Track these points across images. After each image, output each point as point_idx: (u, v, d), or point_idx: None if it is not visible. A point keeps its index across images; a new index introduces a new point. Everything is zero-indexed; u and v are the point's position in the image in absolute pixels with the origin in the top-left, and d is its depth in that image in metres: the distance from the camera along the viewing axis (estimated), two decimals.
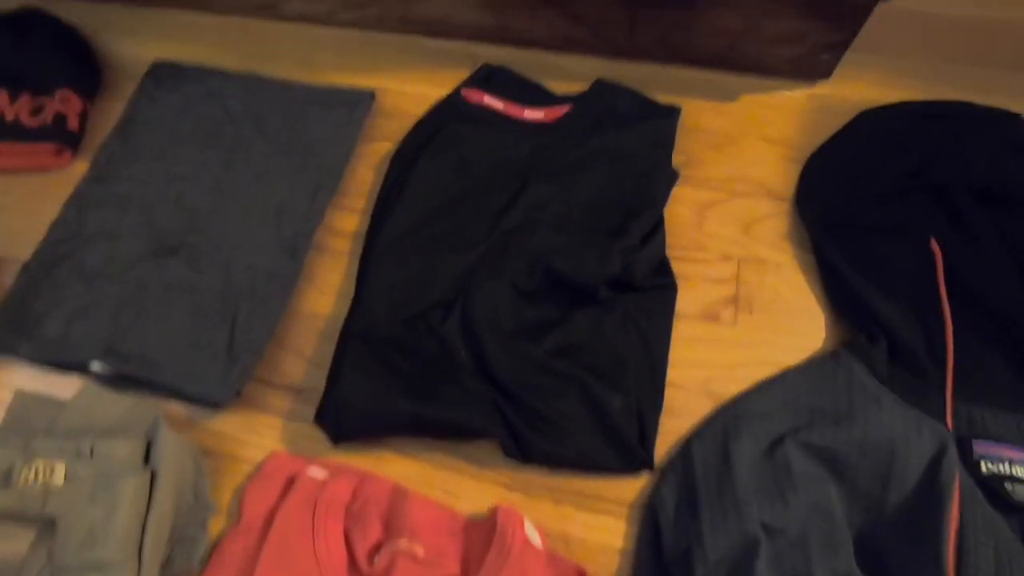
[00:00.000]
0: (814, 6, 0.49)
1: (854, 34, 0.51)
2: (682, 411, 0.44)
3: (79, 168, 0.56)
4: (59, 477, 0.41)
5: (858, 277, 0.46)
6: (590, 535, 0.41)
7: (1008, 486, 0.39)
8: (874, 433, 0.40)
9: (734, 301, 0.48)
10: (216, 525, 0.43)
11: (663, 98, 0.55)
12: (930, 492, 0.38)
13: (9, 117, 0.56)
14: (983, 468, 0.40)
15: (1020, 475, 0.40)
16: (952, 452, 0.39)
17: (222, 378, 0.45)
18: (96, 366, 0.47)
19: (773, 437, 0.41)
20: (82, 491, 0.40)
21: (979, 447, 0.41)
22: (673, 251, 0.49)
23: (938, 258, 0.46)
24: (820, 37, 0.52)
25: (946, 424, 0.41)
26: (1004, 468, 0.40)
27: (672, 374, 0.45)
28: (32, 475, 0.41)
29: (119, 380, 0.47)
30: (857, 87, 0.55)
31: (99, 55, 0.62)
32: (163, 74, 0.60)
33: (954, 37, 0.57)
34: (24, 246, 0.52)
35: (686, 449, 0.42)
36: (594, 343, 0.45)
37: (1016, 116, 0.51)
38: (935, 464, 0.38)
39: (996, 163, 0.48)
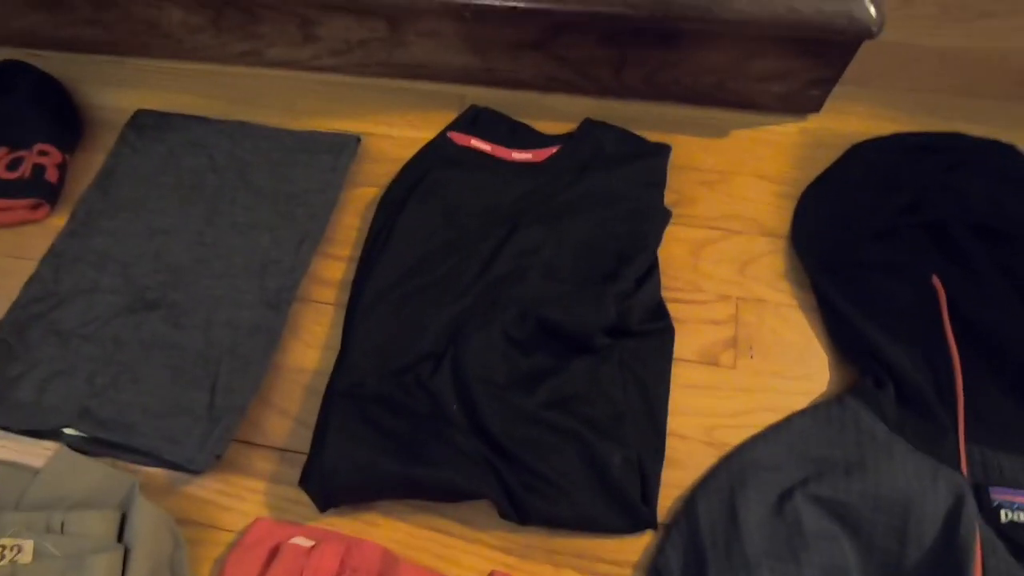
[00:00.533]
0: (800, 45, 0.49)
1: (841, 70, 0.51)
2: (684, 462, 0.43)
3: (57, 222, 0.55)
4: (27, 556, 0.38)
5: (860, 317, 0.44)
6: None
7: None
8: (887, 485, 0.38)
9: (733, 343, 0.46)
10: None
11: (653, 136, 0.54)
12: (950, 548, 0.36)
13: None
14: (1002, 517, 0.38)
15: None
16: (970, 503, 0.37)
17: (201, 441, 0.43)
18: (70, 431, 0.44)
19: (781, 490, 0.39)
20: (51, 570, 0.38)
21: (997, 494, 0.39)
22: (668, 293, 0.48)
23: (941, 295, 0.45)
24: (808, 74, 0.51)
25: (960, 470, 0.39)
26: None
27: (672, 423, 0.44)
28: None
29: (94, 443, 0.44)
30: (847, 120, 0.55)
31: (80, 106, 0.61)
32: (145, 123, 0.59)
33: (942, 68, 0.57)
34: None
35: (690, 506, 0.40)
36: (591, 394, 0.43)
37: (1007, 146, 0.51)
38: (953, 517, 0.37)
39: (992, 196, 0.47)
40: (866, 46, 0.49)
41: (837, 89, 0.54)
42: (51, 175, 0.55)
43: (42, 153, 0.55)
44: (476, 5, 0.50)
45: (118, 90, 0.62)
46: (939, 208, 0.48)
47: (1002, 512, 0.38)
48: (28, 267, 0.51)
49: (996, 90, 0.56)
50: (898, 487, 0.38)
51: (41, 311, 0.49)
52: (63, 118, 0.59)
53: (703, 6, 0.46)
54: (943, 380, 0.42)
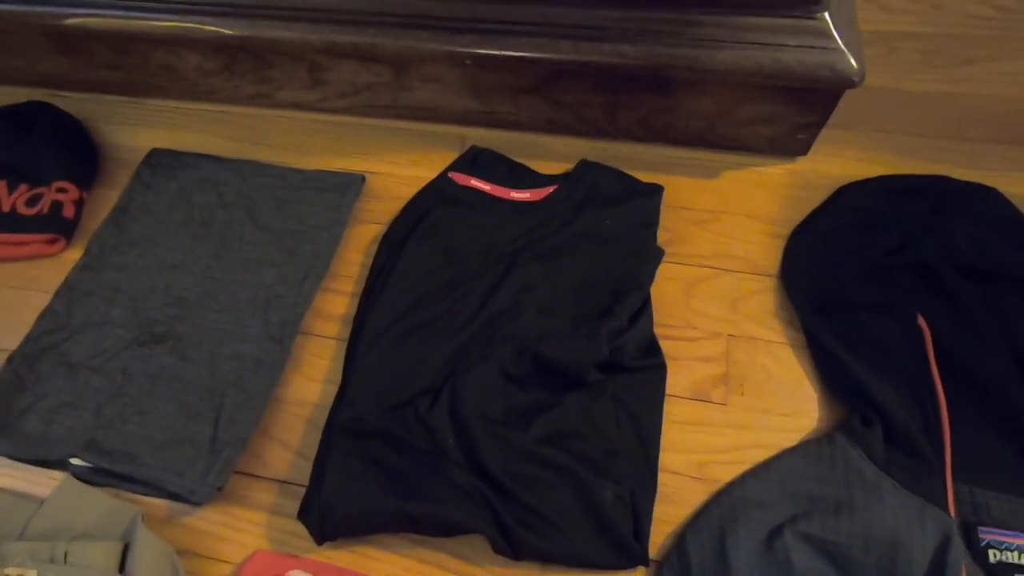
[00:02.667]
0: (786, 92, 0.51)
1: (827, 116, 0.53)
2: (676, 498, 0.43)
3: (73, 255, 0.57)
4: None
5: (848, 356, 0.45)
6: None
7: None
8: (877, 524, 0.39)
9: (725, 380, 0.47)
10: None
11: (646, 176, 0.56)
12: None
13: (6, 207, 0.57)
14: (991, 556, 0.39)
15: None
16: (957, 543, 0.38)
17: (204, 474, 0.44)
18: (76, 461, 0.46)
19: (771, 528, 0.40)
20: None
21: (985, 534, 0.39)
22: (661, 330, 0.49)
23: (927, 335, 0.46)
24: (795, 119, 0.53)
25: (948, 509, 0.40)
26: (1012, 557, 0.39)
27: (664, 459, 0.44)
28: None
29: (99, 474, 0.45)
30: (835, 162, 0.57)
31: (98, 144, 0.63)
32: (159, 161, 0.61)
33: (926, 113, 0.59)
34: (10, 337, 0.51)
35: (681, 543, 0.40)
36: (584, 429, 0.44)
37: (990, 190, 0.52)
38: (941, 557, 0.37)
39: (976, 238, 0.49)
40: (852, 91, 0.51)
41: (825, 132, 0.56)
42: (68, 211, 0.57)
43: (60, 190, 0.58)
44: (477, 53, 0.53)
45: (134, 129, 0.65)
46: (925, 249, 0.49)
47: (990, 552, 0.39)
48: (43, 299, 0.53)
49: (978, 134, 0.57)
50: (887, 527, 0.38)
51: (52, 343, 0.51)
52: (81, 156, 0.61)
53: (690, 56, 0.49)
54: (930, 419, 0.43)
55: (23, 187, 0.58)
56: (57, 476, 0.46)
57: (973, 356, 0.45)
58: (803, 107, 0.52)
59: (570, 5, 0.50)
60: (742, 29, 0.48)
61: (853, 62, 0.47)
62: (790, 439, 0.45)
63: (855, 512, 0.39)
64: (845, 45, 0.47)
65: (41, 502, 0.44)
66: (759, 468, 0.43)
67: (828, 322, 0.47)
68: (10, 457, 0.46)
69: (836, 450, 0.42)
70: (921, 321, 0.46)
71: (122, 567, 0.41)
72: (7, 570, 0.40)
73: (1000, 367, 0.44)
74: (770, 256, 0.53)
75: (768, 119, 0.54)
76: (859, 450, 0.42)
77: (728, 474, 0.43)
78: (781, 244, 0.53)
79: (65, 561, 0.40)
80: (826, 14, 0.47)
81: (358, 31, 0.54)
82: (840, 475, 0.41)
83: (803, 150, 0.57)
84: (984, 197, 0.52)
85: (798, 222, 0.54)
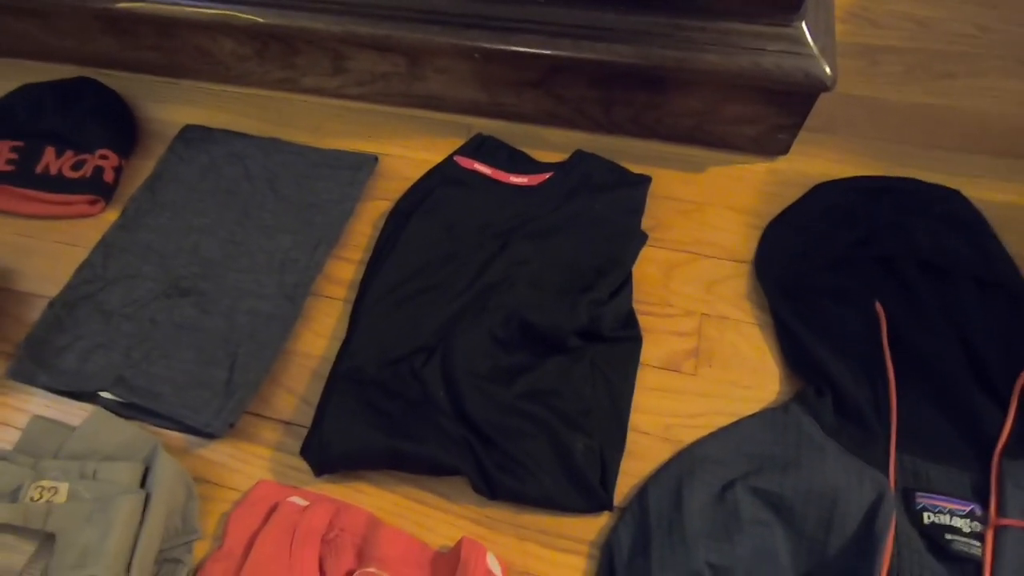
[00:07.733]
0: (766, 94, 0.55)
1: (804, 117, 0.57)
2: (643, 455, 0.47)
3: (110, 216, 0.62)
4: (62, 496, 0.44)
5: (809, 336, 0.49)
6: (551, 571, 0.43)
7: (948, 536, 0.41)
8: (818, 481, 0.42)
9: (695, 354, 0.52)
10: (201, 550, 0.45)
11: (636, 168, 0.61)
12: (866, 538, 0.40)
13: (53, 170, 0.63)
14: (925, 519, 0.42)
15: (959, 526, 0.42)
16: (889, 501, 0.41)
17: (218, 411, 0.49)
18: (106, 395, 0.51)
19: (725, 482, 0.44)
20: (81, 511, 0.44)
21: (922, 498, 0.43)
22: (640, 306, 0.53)
23: (882, 320, 0.50)
24: (774, 119, 0.58)
25: (888, 475, 0.44)
26: (944, 519, 0.42)
27: (635, 419, 0.49)
28: (38, 493, 0.44)
29: (126, 408, 0.51)
30: (813, 163, 0.61)
31: (138, 118, 0.69)
32: (192, 136, 0.67)
33: (903, 121, 0.63)
34: (53, 285, 0.57)
35: (643, 492, 0.44)
36: (562, 389, 0.48)
37: (953, 192, 0.56)
38: (872, 512, 0.41)
39: (935, 236, 0.52)
40: (835, 99, 0.55)
41: (807, 135, 0.60)
42: (108, 176, 0.63)
43: (103, 157, 0.64)
44: (484, 48, 0.58)
45: (171, 107, 0.70)
46: (888, 244, 0.53)
47: (925, 514, 0.42)
48: (82, 254, 0.59)
49: (950, 143, 0.61)
50: (828, 484, 0.42)
51: (90, 292, 0.57)
52: (122, 128, 0.67)
53: (679, 57, 0.53)
54: (880, 396, 0.47)
55: (69, 153, 0.64)
56: (88, 408, 0.51)
57: (924, 343, 0.48)
58: (781, 108, 0.56)
59: (570, 6, 0.55)
60: (726, 34, 0.52)
61: (827, 68, 0.52)
62: (751, 408, 0.49)
63: (801, 470, 0.43)
64: (820, 52, 0.52)
65: (73, 429, 0.49)
66: (719, 431, 0.47)
67: (793, 304, 0.51)
68: (47, 389, 0.52)
69: (789, 417, 0.46)
70: (878, 308, 0.50)
71: (142, 485, 0.46)
72: (43, 482, 0.45)
73: (948, 354, 0.48)
74: (747, 245, 0.57)
75: (750, 119, 0.58)
76: (810, 417, 0.46)
77: (691, 436, 0.48)
78: (757, 234, 0.57)
79: (94, 478, 0.45)
80: (803, 23, 0.51)
81: (376, 23, 0.59)
82: (791, 438, 0.45)
83: (783, 150, 0.61)
84: (947, 199, 0.55)
85: (775, 215, 0.58)
